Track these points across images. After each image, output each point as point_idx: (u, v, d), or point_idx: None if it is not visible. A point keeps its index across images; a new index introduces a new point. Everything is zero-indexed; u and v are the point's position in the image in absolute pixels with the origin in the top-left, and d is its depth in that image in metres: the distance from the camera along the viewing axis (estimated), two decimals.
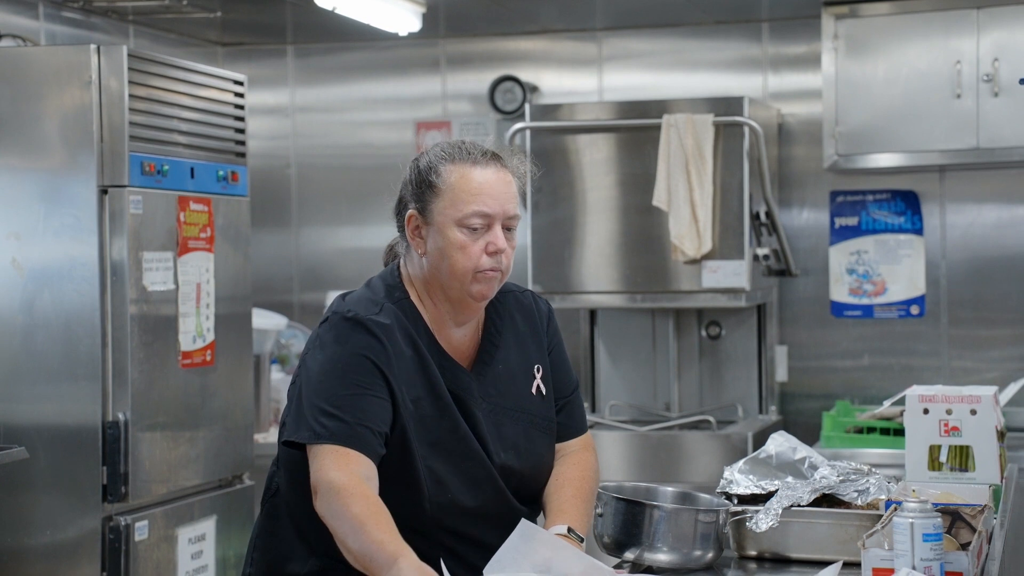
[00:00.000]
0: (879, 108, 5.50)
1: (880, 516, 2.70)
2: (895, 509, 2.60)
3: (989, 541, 2.93)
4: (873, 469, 3.03)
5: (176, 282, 4.43)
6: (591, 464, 2.87)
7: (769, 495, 2.96)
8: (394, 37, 5.89)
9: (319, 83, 6.44)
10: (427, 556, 2.46)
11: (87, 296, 4.21)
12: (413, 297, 2.73)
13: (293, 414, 2.64)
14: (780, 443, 3.14)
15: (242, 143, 4.83)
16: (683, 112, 5.30)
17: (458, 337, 2.76)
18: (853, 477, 2.96)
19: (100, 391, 4.22)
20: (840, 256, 5.88)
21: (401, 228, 2.76)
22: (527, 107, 5.65)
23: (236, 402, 4.76)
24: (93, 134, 4.20)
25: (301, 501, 2.66)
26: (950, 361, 5.77)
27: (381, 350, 2.62)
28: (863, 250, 5.86)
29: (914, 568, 2.51)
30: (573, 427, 2.90)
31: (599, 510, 2.85)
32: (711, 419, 5.47)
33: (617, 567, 2.72)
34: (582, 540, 2.70)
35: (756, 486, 3.00)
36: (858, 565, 2.64)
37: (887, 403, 4.13)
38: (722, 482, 3.05)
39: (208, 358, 4.59)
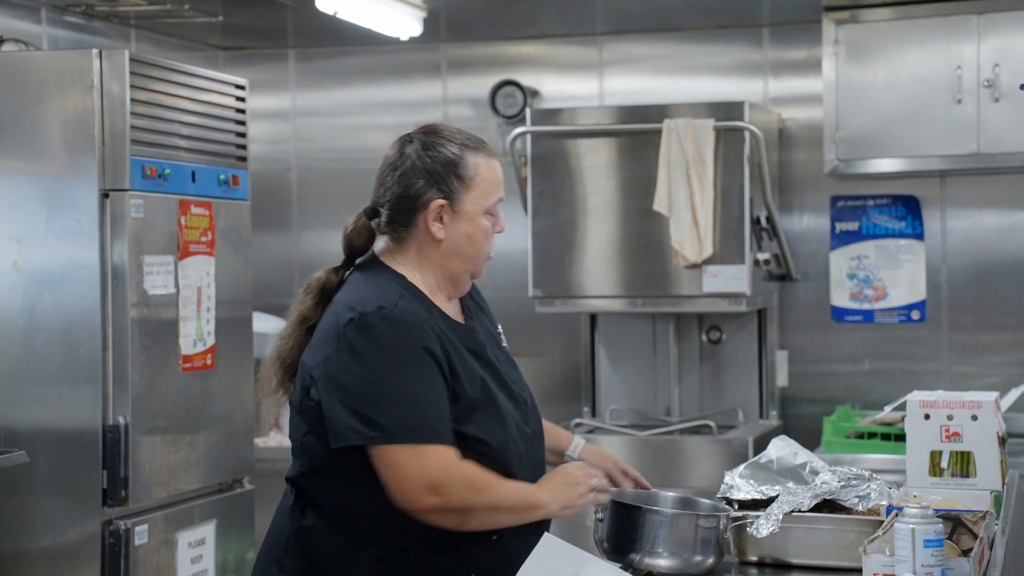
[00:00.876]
0: (880, 113, 5.50)
1: (881, 522, 2.70)
2: (896, 515, 2.60)
3: (990, 547, 2.92)
4: (874, 474, 3.03)
5: (177, 286, 4.43)
6: None
7: (770, 500, 2.96)
8: (395, 41, 5.89)
9: (320, 87, 6.45)
10: None
11: (88, 300, 4.21)
12: (410, 278, 2.81)
13: (352, 417, 2.65)
14: (781, 448, 3.14)
15: (243, 147, 4.83)
16: (684, 117, 5.30)
17: (448, 308, 2.87)
18: (854, 482, 2.97)
19: (100, 395, 4.21)
20: (841, 261, 5.88)
21: (395, 218, 2.83)
22: (528, 111, 5.66)
23: (236, 406, 4.75)
24: (95, 138, 4.20)
25: (352, 503, 2.70)
26: (951, 366, 5.77)
27: (426, 335, 2.69)
28: (864, 255, 5.85)
29: (915, 574, 2.51)
30: None
31: (599, 514, 2.85)
32: (712, 424, 5.47)
33: None
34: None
35: (757, 491, 3.00)
36: (859, 571, 2.64)
37: (888, 408, 4.11)
38: (723, 487, 3.05)
39: (209, 362, 4.59)
